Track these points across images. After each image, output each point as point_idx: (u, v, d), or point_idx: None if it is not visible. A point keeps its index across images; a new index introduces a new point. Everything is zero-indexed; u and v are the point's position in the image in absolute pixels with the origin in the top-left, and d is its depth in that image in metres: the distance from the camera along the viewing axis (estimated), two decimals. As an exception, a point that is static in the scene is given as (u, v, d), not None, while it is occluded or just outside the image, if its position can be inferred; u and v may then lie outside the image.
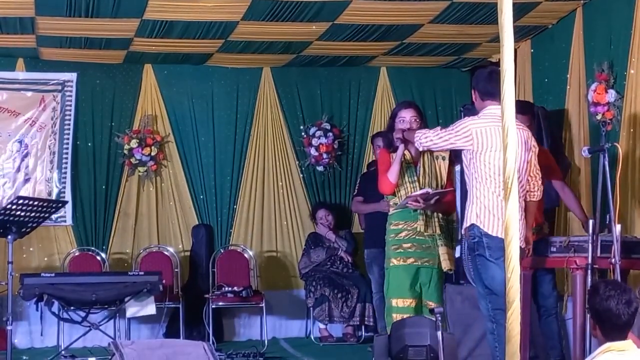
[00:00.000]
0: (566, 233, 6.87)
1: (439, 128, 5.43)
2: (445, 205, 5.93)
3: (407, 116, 5.89)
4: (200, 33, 7.50)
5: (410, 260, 5.79)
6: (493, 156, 5.03)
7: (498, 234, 4.93)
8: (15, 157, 8.41)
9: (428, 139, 5.32)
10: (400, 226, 5.85)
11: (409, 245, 5.80)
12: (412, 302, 5.76)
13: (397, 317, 5.64)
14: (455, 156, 5.96)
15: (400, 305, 5.76)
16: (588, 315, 3.58)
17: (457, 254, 6.95)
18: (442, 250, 5.80)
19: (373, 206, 7.51)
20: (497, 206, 4.98)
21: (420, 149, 5.54)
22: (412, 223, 5.80)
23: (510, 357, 3.90)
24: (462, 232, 5.35)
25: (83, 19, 6.98)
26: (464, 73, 9.17)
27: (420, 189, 5.78)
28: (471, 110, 6.82)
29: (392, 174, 5.79)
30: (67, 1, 6.61)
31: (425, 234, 5.78)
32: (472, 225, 5.12)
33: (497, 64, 5.22)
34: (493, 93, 5.01)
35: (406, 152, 5.85)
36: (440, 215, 5.87)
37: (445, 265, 5.81)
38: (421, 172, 5.86)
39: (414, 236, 5.80)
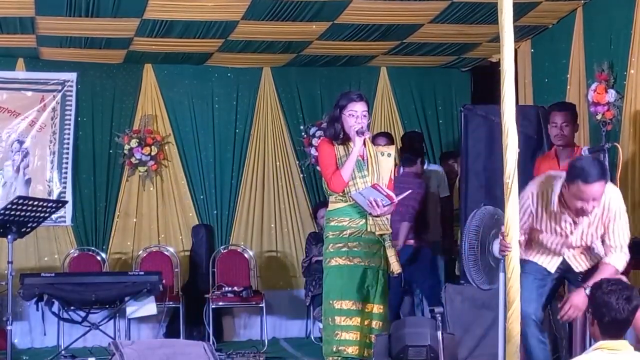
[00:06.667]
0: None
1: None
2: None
3: (359, 110, 5.43)
4: (200, 33, 7.50)
5: (357, 260, 5.37)
6: None
7: None
8: (15, 158, 8.41)
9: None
10: (345, 223, 5.40)
11: (355, 244, 5.37)
12: (358, 305, 5.37)
13: (341, 320, 5.35)
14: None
15: (345, 307, 5.36)
16: (588, 313, 3.56)
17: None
18: (390, 252, 5.43)
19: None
20: None
21: None
22: (358, 220, 5.39)
23: (510, 357, 3.90)
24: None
25: (83, 18, 6.98)
26: (464, 73, 9.18)
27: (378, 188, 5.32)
28: (472, 111, 6.86)
29: (347, 172, 5.35)
30: (67, 1, 6.60)
31: (378, 233, 5.40)
32: None
33: (497, 64, 5.23)
34: None
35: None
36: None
37: (396, 268, 5.43)
38: (369, 167, 5.46)
39: (360, 234, 5.39)
